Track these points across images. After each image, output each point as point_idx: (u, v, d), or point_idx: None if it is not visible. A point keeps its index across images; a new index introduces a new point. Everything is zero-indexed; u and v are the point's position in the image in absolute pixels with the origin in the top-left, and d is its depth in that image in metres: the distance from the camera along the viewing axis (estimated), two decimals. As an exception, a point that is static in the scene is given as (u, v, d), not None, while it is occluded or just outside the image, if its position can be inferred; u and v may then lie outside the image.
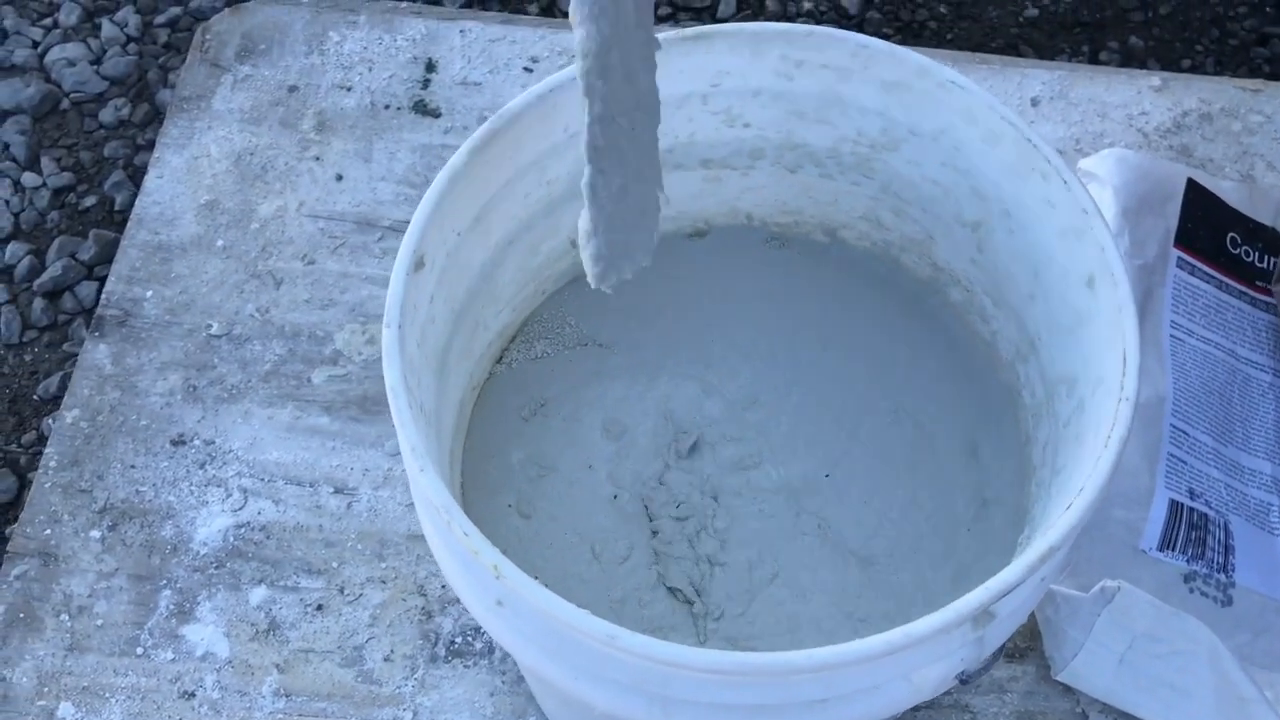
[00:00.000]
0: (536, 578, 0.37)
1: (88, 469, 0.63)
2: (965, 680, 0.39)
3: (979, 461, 0.49)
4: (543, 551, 0.48)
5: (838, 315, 0.53)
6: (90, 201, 0.91)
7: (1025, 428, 0.49)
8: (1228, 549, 0.60)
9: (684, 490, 0.50)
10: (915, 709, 0.55)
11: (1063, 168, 0.43)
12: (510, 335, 0.53)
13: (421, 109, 0.74)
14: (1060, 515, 0.37)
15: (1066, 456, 0.42)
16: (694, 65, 0.47)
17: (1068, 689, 0.57)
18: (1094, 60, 0.97)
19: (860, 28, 0.99)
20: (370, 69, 0.75)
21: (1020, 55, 0.95)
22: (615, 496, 0.50)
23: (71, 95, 0.95)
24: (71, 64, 0.95)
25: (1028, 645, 0.58)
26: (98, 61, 0.96)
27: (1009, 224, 0.47)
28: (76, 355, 0.84)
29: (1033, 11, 1.00)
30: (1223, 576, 0.60)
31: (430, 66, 0.75)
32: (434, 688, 0.58)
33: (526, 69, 0.75)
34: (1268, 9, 1.00)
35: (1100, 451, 0.38)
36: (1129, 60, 0.97)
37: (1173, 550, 0.60)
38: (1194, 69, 0.95)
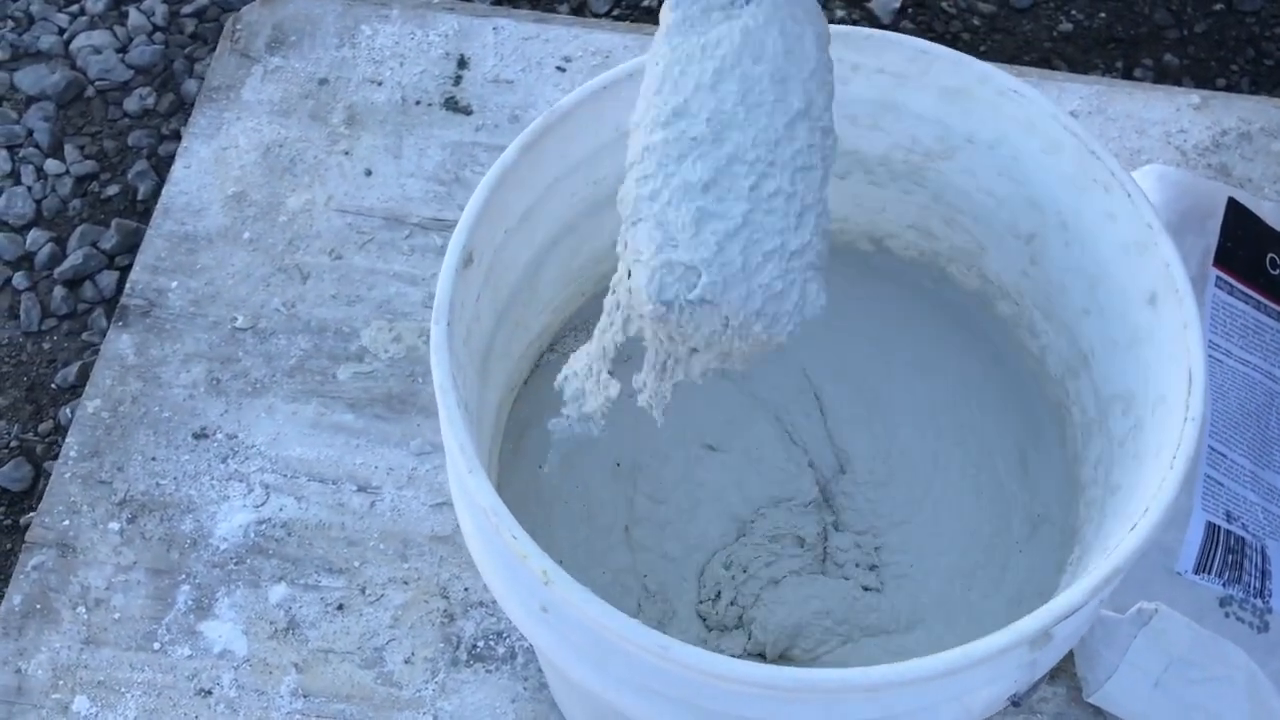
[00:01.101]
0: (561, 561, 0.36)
1: (108, 460, 0.62)
2: (1017, 703, 0.38)
3: (1029, 478, 0.49)
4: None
5: (882, 324, 0.53)
6: (113, 190, 0.90)
7: (1074, 445, 0.48)
8: (1264, 573, 0.59)
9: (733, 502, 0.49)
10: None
11: (1127, 180, 0.43)
12: (550, 337, 0.52)
13: (453, 105, 0.73)
14: (1124, 536, 0.36)
15: (1123, 475, 0.41)
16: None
17: (1098, 711, 0.56)
18: (1128, 76, 0.96)
19: (892, 38, 0.98)
20: (402, 64, 0.74)
21: (1054, 69, 0.95)
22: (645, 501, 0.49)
23: (96, 83, 0.94)
24: (97, 51, 0.95)
25: (1060, 666, 0.57)
26: (124, 50, 0.95)
27: (1065, 236, 0.46)
28: (96, 344, 0.83)
29: (1067, 26, 0.99)
30: (1259, 601, 0.59)
31: (462, 63, 0.75)
32: (455, 692, 0.57)
33: (559, 68, 0.74)
34: (1304, 30, 0.99)
35: (1165, 472, 0.37)
36: (1163, 78, 0.96)
37: (1209, 573, 0.59)
38: (1229, 88, 0.95)
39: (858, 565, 0.47)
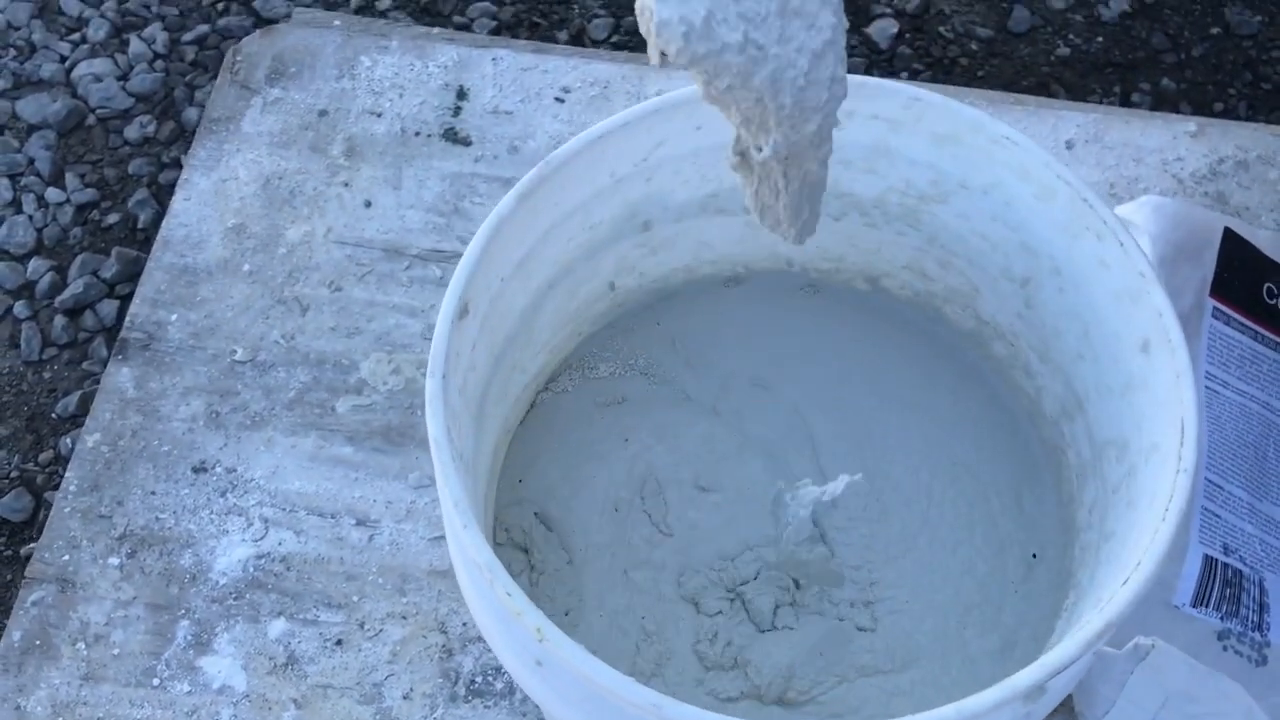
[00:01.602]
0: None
1: (108, 494, 0.62)
2: (1010, 753, 0.38)
3: (1025, 519, 0.49)
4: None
5: (879, 363, 0.53)
6: (113, 219, 0.90)
7: (1069, 487, 0.48)
8: (1262, 606, 0.59)
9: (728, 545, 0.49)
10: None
11: (1119, 229, 0.43)
12: (546, 378, 0.52)
13: (452, 137, 0.74)
14: (1118, 589, 0.36)
15: (1116, 521, 0.42)
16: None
17: (1097, 747, 0.56)
18: (1125, 101, 0.96)
19: (890, 63, 0.98)
20: (401, 95, 0.75)
21: (1051, 94, 0.95)
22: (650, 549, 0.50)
23: (97, 111, 0.94)
24: (98, 79, 0.95)
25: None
26: (124, 78, 0.95)
27: (1059, 282, 0.46)
28: (96, 374, 0.83)
29: (1064, 50, 0.99)
30: (1257, 635, 0.59)
31: (461, 94, 0.75)
32: (454, 728, 0.57)
33: (558, 99, 0.75)
34: (1301, 54, 0.99)
35: (1158, 525, 0.37)
36: (1160, 102, 0.96)
37: (1206, 607, 0.59)
38: (1226, 113, 0.95)
39: (852, 604, 0.48)
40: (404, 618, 0.60)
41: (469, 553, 0.37)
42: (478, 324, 0.42)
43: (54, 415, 0.83)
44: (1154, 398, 0.41)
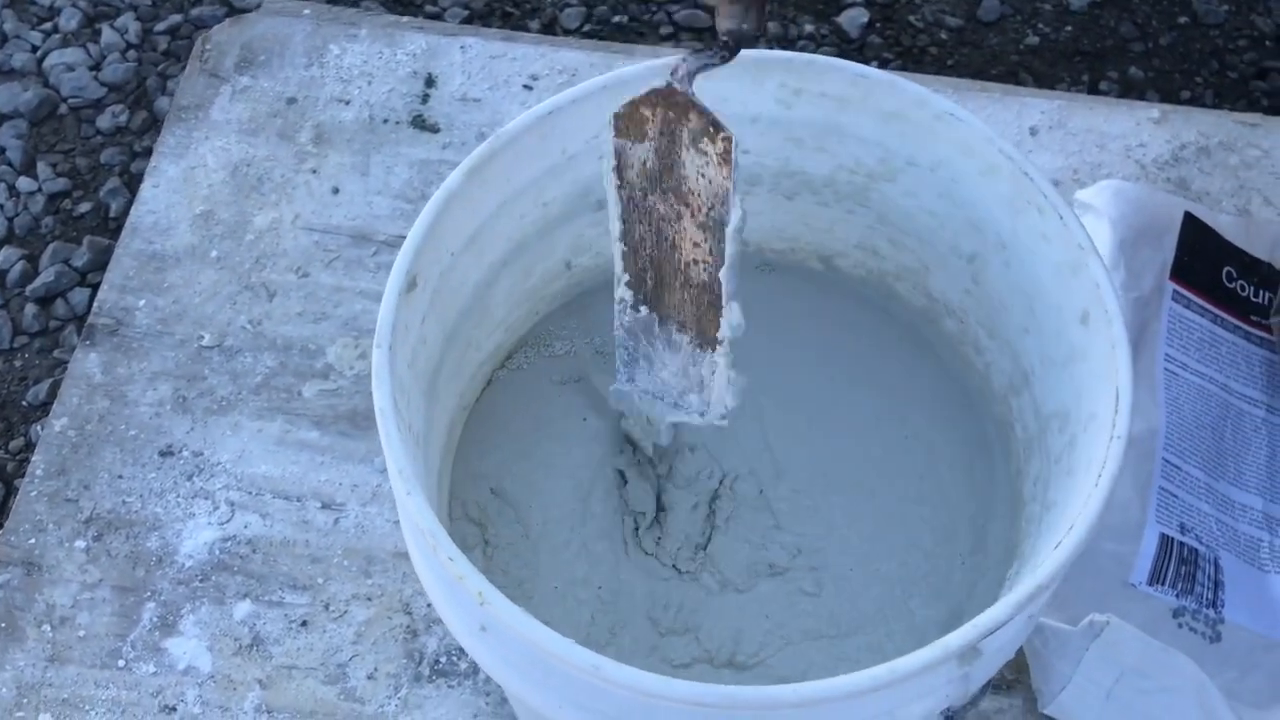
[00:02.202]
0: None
1: (74, 478, 0.63)
2: (951, 717, 0.39)
3: (975, 493, 0.49)
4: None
5: (832, 340, 0.53)
6: (85, 208, 0.91)
7: (1017, 461, 0.48)
8: (1217, 585, 0.60)
9: (682, 509, 0.49)
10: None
11: (1059, 203, 0.43)
12: (502, 356, 0.53)
13: (420, 124, 0.74)
14: (1049, 553, 0.37)
15: (1058, 492, 0.42)
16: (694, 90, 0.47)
17: (1055, 722, 0.57)
18: (1093, 90, 0.97)
19: (861, 52, 0.99)
20: (370, 82, 0.75)
21: (1020, 83, 0.95)
22: (602, 497, 0.50)
23: (69, 101, 0.94)
24: (70, 69, 0.95)
25: (1015, 678, 0.58)
26: (97, 67, 0.96)
27: (1005, 257, 0.46)
28: (67, 362, 0.84)
29: (1033, 39, 1.00)
30: (1212, 612, 0.59)
31: (430, 81, 0.75)
32: (417, 707, 0.57)
33: (526, 86, 0.75)
34: (1267, 43, 1.00)
35: (1090, 490, 0.37)
36: (1128, 91, 0.97)
37: (1162, 585, 0.59)
38: (1193, 101, 0.96)
39: (796, 572, 0.48)
40: (369, 599, 0.60)
41: (413, 519, 0.37)
42: (427, 298, 0.43)
43: (24, 403, 0.83)
44: (1092, 368, 0.41)
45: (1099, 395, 0.40)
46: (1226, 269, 0.69)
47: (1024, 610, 0.36)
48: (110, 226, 0.89)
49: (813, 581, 0.48)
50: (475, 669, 0.58)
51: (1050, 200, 0.43)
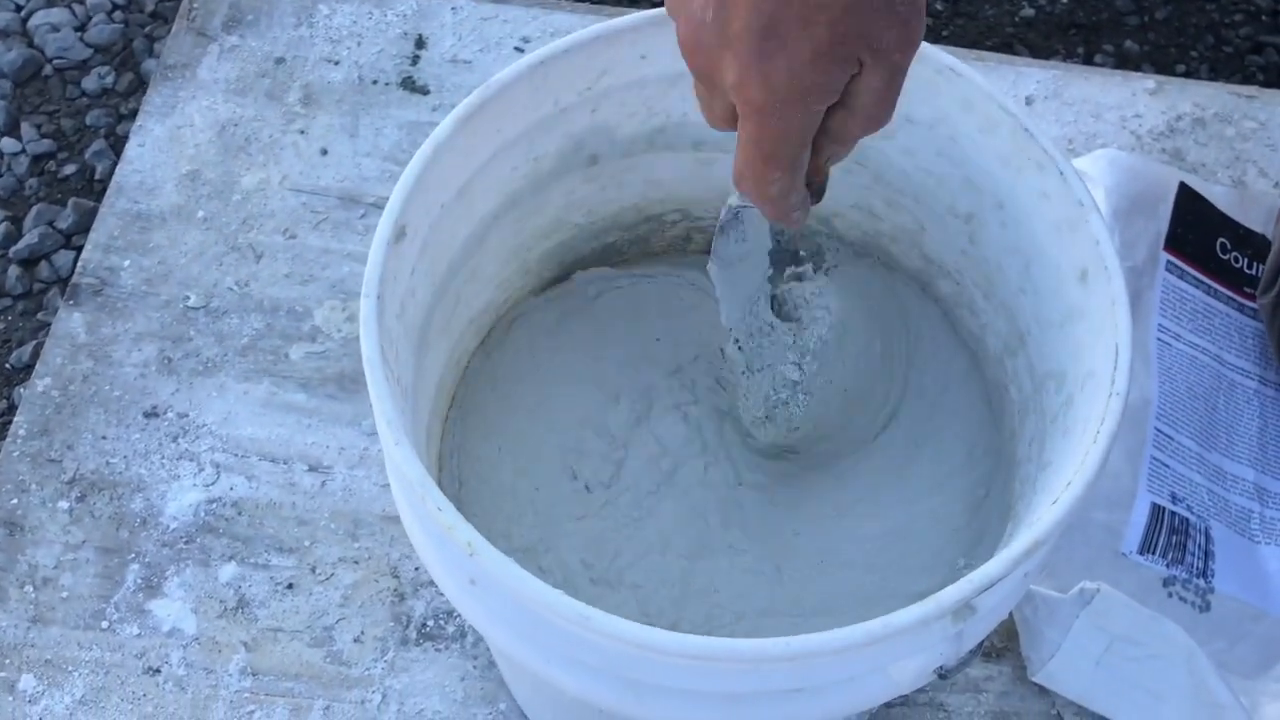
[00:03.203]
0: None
1: (58, 439, 0.62)
2: (944, 675, 0.39)
3: (971, 458, 0.49)
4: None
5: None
6: (70, 170, 0.90)
7: (1011, 422, 0.48)
8: (1208, 554, 0.60)
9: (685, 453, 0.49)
10: (890, 704, 0.55)
11: (1060, 158, 0.43)
12: (495, 313, 0.52)
13: (410, 85, 0.73)
14: (1046, 509, 0.36)
15: (1054, 451, 0.42)
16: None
17: (1043, 690, 0.57)
18: (1089, 62, 0.96)
19: (856, 22, 0.98)
20: (359, 43, 0.74)
21: (1015, 54, 0.95)
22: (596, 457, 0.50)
23: (54, 61, 0.93)
24: (55, 29, 0.94)
25: (1005, 645, 0.58)
26: (82, 28, 0.94)
27: (1001, 216, 0.46)
28: (51, 324, 0.83)
29: (1029, 11, 0.99)
30: (1202, 582, 0.59)
31: (420, 43, 0.75)
32: (404, 670, 0.57)
33: (518, 49, 0.74)
34: (1263, 17, 1.00)
35: (1089, 446, 0.37)
36: (1123, 64, 0.96)
37: (1153, 554, 0.59)
38: (1188, 74, 0.95)
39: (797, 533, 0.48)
40: (356, 562, 0.59)
41: (401, 469, 0.37)
42: (417, 249, 0.42)
43: (8, 366, 0.83)
44: (1091, 326, 0.41)
45: (1098, 352, 0.40)
46: (1220, 240, 0.69)
47: (1020, 567, 0.36)
48: (95, 189, 0.88)
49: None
50: (462, 633, 0.58)
51: (1051, 156, 0.43)
